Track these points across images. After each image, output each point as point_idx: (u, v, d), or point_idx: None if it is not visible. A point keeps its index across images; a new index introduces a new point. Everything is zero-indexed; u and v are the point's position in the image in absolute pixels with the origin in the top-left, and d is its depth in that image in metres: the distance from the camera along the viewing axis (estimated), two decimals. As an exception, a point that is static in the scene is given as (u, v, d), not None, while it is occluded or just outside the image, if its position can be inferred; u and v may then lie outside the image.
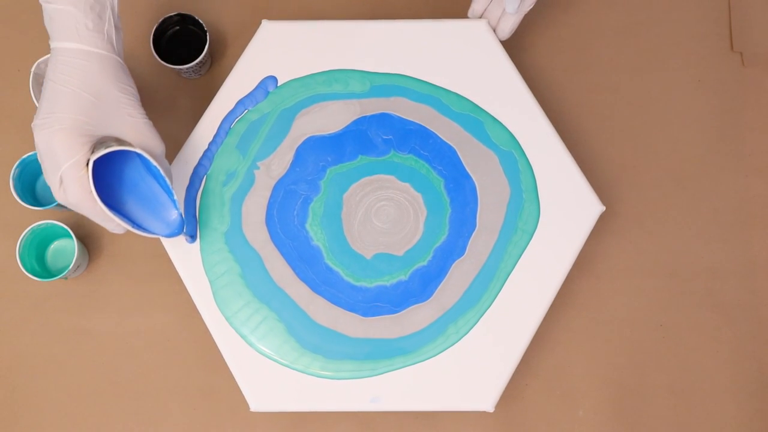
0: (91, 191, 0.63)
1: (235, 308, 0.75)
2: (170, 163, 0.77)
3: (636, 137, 0.85)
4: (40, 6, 0.64)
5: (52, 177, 0.64)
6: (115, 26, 0.66)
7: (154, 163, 0.67)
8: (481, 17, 0.79)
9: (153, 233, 0.69)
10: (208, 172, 0.77)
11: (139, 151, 0.66)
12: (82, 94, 0.63)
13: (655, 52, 0.87)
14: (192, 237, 0.75)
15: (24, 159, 0.78)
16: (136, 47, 0.85)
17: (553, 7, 0.87)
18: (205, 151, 0.77)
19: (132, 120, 0.66)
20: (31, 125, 0.64)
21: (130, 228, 0.66)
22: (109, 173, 0.68)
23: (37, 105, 0.76)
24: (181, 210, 0.70)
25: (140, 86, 0.84)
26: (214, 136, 0.77)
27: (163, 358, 0.81)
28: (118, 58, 0.66)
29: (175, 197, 0.69)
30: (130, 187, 0.69)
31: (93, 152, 0.63)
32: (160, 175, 0.68)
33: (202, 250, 0.76)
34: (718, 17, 0.87)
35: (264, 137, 0.77)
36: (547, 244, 0.77)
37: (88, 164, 0.63)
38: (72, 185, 0.63)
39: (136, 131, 0.67)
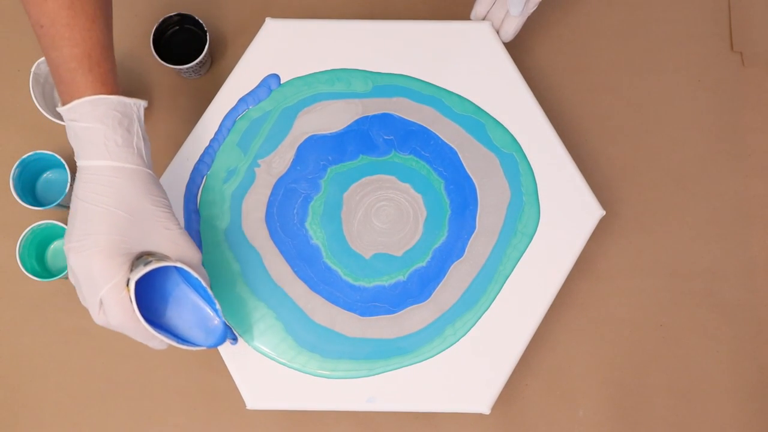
0: (135, 312, 0.61)
1: (233, 306, 0.75)
2: (170, 160, 0.77)
3: (636, 137, 0.85)
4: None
5: (90, 300, 0.61)
6: (143, 138, 0.64)
7: (195, 275, 0.64)
8: (483, 19, 0.79)
9: (197, 345, 0.66)
10: (209, 170, 0.77)
11: (180, 265, 0.64)
12: (116, 212, 0.61)
13: (655, 52, 0.87)
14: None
15: (24, 159, 0.78)
16: (136, 47, 0.85)
17: (554, 8, 0.87)
18: (207, 148, 0.77)
19: (168, 233, 0.64)
20: (64, 248, 0.62)
21: (174, 344, 0.64)
22: (147, 287, 0.65)
23: (38, 107, 0.76)
24: (223, 316, 0.67)
25: (140, 86, 0.84)
26: (216, 133, 0.77)
27: (163, 357, 0.81)
28: (149, 171, 0.64)
29: (218, 306, 0.66)
30: (168, 298, 0.67)
31: (132, 271, 0.61)
32: (201, 285, 0.66)
33: (202, 247, 0.76)
34: (718, 17, 0.87)
35: (265, 135, 0.77)
36: (547, 248, 0.76)
37: (128, 284, 0.61)
38: (114, 308, 0.61)
39: (173, 243, 0.65)
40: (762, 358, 0.82)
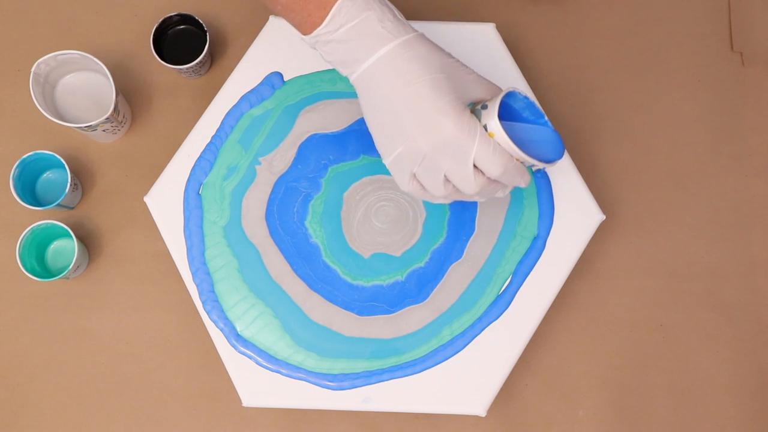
0: (512, 149, 0.59)
1: (231, 302, 0.75)
2: (172, 156, 0.77)
3: (636, 137, 0.85)
4: (307, 42, 0.61)
5: (463, 170, 0.59)
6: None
7: (523, 94, 0.63)
8: None
9: (554, 161, 0.63)
10: (211, 166, 0.77)
11: (512, 89, 0.62)
12: (436, 77, 0.59)
13: (655, 52, 0.87)
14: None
15: (24, 159, 0.78)
16: (136, 47, 0.85)
17: (554, 7, 0.87)
18: (208, 145, 0.77)
19: (472, 77, 0.62)
20: (393, 158, 0.60)
21: (545, 167, 0.62)
22: None
23: (38, 107, 0.76)
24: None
25: (140, 86, 0.84)
26: (218, 130, 0.77)
27: (163, 358, 0.81)
28: (422, 33, 0.61)
29: (546, 117, 0.64)
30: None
31: (481, 116, 0.60)
32: (530, 102, 0.63)
33: (203, 243, 0.76)
34: (718, 17, 0.87)
35: (267, 133, 0.77)
36: (546, 251, 0.76)
37: (486, 130, 0.59)
38: (491, 156, 0.59)
39: (481, 85, 0.62)
40: (762, 358, 0.82)
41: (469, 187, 0.60)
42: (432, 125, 0.59)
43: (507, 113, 0.63)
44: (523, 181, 0.62)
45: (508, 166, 0.60)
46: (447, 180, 0.61)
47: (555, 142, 0.64)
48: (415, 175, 0.61)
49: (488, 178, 0.61)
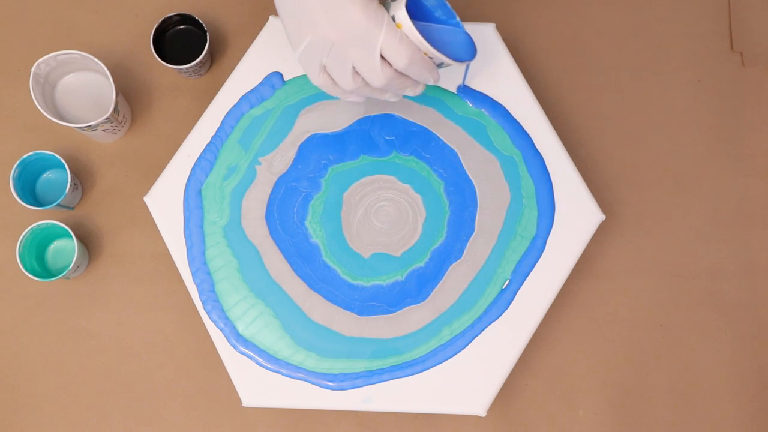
0: (420, 39, 0.59)
1: (231, 302, 0.75)
2: (172, 156, 0.77)
3: (636, 137, 0.85)
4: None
5: (369, 60, 0.59)
6: None
7: None
8: None
9: (465, 60, 0.63)
10: (211, 166, 0.77)
11: None
12: None
13: (655, 52, 0.87)
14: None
15: (24, 159, 0.78)
16: (136, 47, 0.85)
17: (553, 7, 0.87)
18: (208, 145, 0.77)
19: None
20: (301, 53, 0.60)
21: (455, 64, 0.62)
22: None
23: (38, 107, 0.76)
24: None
25: (140, 86, 0.84)
26: (218, 130, 0.77)
27: (163, 358, 0.81)
28: None
29: (458, 18, 0.64)
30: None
31: (390, 8, 0.60)
32: (442, 1, 0.63)
33: (204, 243, 0.76)
34: (718, 17, 0.87)
35: (267, 133, 0.77)
36: (546, 251, 0.76)
37: (394, 21, 0.59)
38: (398, 47, 0.59)
39: None
40: (762, 358, 0.82)
41: (376, 79, 0.61)
42: (339, 12, 0.59)
43: (420, 13, 0.63)
44: (432, 77, 0.62)
45: (414, 58, 0.60)
46: (356, 72, 0.61)
47: (467, 43, 0.64)
48: (325, 68, 0.61)
49: (396, 70, 0.61)
